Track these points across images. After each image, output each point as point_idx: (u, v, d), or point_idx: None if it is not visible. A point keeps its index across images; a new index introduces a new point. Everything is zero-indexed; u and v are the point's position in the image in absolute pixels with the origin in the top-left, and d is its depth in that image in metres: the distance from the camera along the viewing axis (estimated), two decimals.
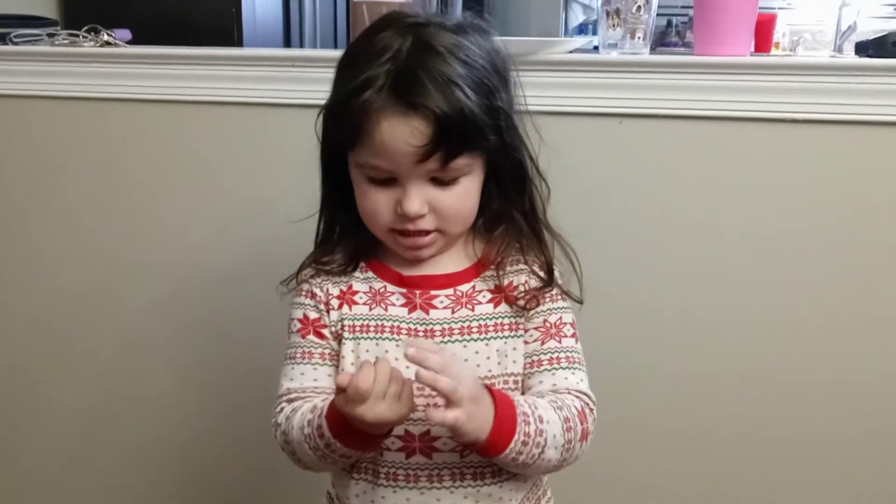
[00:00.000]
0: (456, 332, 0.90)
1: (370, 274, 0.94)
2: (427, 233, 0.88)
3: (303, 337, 0.94)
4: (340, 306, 0.93)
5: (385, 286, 0.93)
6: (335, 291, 0.94)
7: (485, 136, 0.84)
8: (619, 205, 1.25)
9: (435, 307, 0.91)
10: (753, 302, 1.23)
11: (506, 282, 0.92)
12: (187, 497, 1.57)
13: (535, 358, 0.91)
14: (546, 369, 0.91)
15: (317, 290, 0.94)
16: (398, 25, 0.85)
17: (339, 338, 0.92)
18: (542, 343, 0.91)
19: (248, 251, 1.40)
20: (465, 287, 0.92)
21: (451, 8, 3.02)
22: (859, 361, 1.22)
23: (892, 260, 1.19)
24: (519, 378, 0.91)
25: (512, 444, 0.80)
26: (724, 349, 1.26)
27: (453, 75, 0.82)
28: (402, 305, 0.92)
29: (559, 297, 0.94)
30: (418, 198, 0.85)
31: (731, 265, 1.23)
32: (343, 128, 0.84)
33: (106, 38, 1.43)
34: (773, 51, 3.56)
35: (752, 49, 1.23)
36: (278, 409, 0.92)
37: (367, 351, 0.90)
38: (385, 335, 0.91)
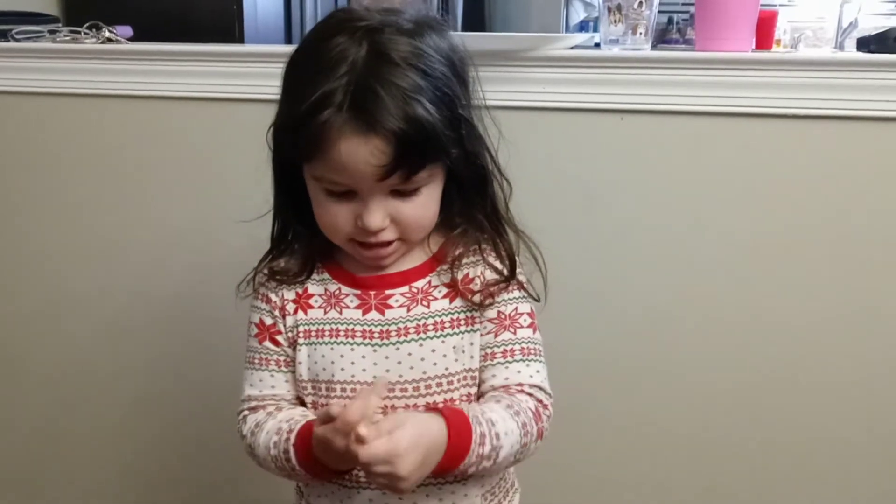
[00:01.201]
0: (412, 330, 0.89)
1: (326, 276, 0.93)
2: (388, 243, 0.87)
3: (259, 342, 0.93)
4: (296, 311, 0.92)
5: (339, 288, 0.92)
6: (290, 295, 0.92)
7: (446, 149, 0.83)
8: (621, 201, 1.25)
9: (390, 307, 0.90)
10: (756, 298, 1.23)
11: (460, 275, 0.90)
12: (160, 487, 1.58)
13: (488, 350, 0.90)
14: (499, 362, 0.90)
15: (272, 295, 0.93)
16: (351, 30, 0.81)
17: (294, 344, 0.92)
18: (496, 335, 0.90)
19: (250, 247, 1.40)
20: (420, 283, 0.91)
21: (452, 7, 3.02)
22: (861, 360, 1.22)
23: (894, 256, 1.18)
24: (478, 373, 0.90)
25: (462, 466, 0.80)
26: (727, 346, 1.26)
27: (412, 90, 0.79)
28: (357, 307, 0.90)
29: (515, 287, 0.92)
30: (379, 212, 0.83)
31: (733, 261, 1.23)
32: (299, 143, 0.81)
33: (107, 34, 1.42)
34: (775, 48, 3.56)
35: (754, 45, 1.22)
36: (241, 417, 0.93)
37: (323, 356, 0.90)
38: (340, 339, 0.90)
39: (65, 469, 1.63)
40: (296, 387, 0.92)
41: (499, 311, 0.91)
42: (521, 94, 1.23)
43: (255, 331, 0.94)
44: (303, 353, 0.91)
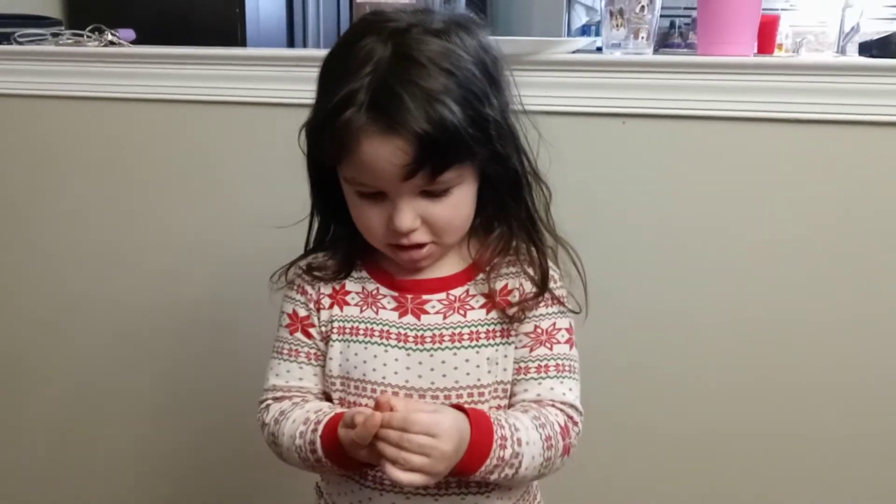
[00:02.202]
0: (447, 338, 0.88)
1: (364, 274, 0.93)
2: (422, 245, 0.86)
3: (290, 333, 0.93)
4: (331, 306, 0.92)
5: (378, 288, 0.91)
6: (327, 290, 0.92)
7: (472, 149, 0.81)
8: (622, 205, 1.25)
9: (426, 312, 0.89)
10: (758, 302, 1.23)
11: (499, 285, 0.89)
12: (180, 484, 1.58)
13: (522, 364, 0.89)
14: (533, 377, 0.89)
15: (308, 288, 0.93)
16: (379, 31, 0.81)
17: (326, 338, 0.91)
18: (531, 350, 0.89)
19: (254, 251, 1.40)
20: (458, 291, 0.90)
21: (455, 6, 3.02)
22: (870, 361, 1.22)
23: None
24: (510, 386, 0.90)
25: (482, 468, 0.79)
26: (729, 350, 1.26)
27: (436, 90, 0.78)
28: (394, 309, 0.90)
29: (553, 301, 0.91)
30: (409, 213, 0.82)
31: (735, 266, 1.23)
32: (326, 145, 0.82)
33: (110, 37, 1.43)
34: (776, 52, 3.56)
35: (756, 50, 1.22)
36: (264, 406, 0.92)
37: (356, 354, 0.89)
38: (374, 339, 0.89)
39: (77, 478, 1.63)
40: (323, 381, 0.92)
41: (535, 326, 0.90)
42: (522, 98, 1.21)
43: (288, 321, 0.93)
44: (335, 349, 0.90)
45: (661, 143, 1.21)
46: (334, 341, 0.90)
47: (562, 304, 0.92)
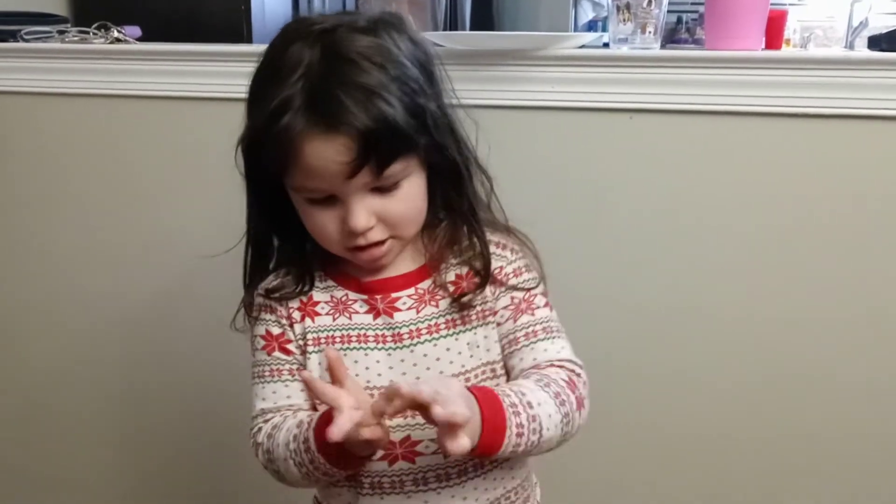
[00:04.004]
0: (423, 332, 0.89)
1: (330, 282, 0.92)
2: (381, 243, 0.86)
3: (268, 354, 0.91)
4: (303, 318, 0.91)
5: (346, 294, 0.91)
6: (295, 304, 0.91)
7: (413, 141, 0.82)
8: (630, 201, 1.24)
9: (398, 309, 0.89)
10: (769, 298, 1.22)
11: (450, 277, 0.90)
12: (167, 482, 1.58)
13: (511, 337, 0.90)
14: (524, 345, 0.89)
15: (276, 305, 0.92)
16: (306, 36, 0.80)
17: (304, 351, 0.91)
18: (515, 320, 0.90)
19: None
20: (425, 284, 0.90)
21: (460, 6, 3.01)
22: (879, 363, 1.21)
23: None
24: (497, 364, 0.90)
25: (506, 441, 0.77)
26: (739, 346, 1.25)
27: (371, 84, 0.78)
28: (366, 312, 0.90)
29: (523, 270, 0.92)
30: (362, 212, 0.82)
31: (743, 261, 1.22)
32: (268, 155, 0.81)
33: (116, 35, 1.43)
34: (784, 47, 3.54)
35: (764, 44, 1.21)
36: (256, 429, 0.90)
37: (350, 368, 0.87)
38: (352, 345, 0.89)
39: (65, 467, 1.63)
40: (310, 395, 0.90)
41: (512, 297, 0.91)
42: (529, 94, 1.23)
43: (262, 343, 0.92)
44: (313, 361, 0.90)
45: (668, 139, 1.21)
46: (311, 353, 0.90)
47: (519, 275, 0.92)
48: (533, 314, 0.90)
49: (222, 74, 1.36)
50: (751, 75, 1.14)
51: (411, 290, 0.90)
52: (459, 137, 0.90)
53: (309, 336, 0.90)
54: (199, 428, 1.54)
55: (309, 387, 0.81)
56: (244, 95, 1.33)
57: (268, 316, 0.92)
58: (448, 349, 0.88)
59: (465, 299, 0.89)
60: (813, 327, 1.21)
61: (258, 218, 0.92)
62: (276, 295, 0.92)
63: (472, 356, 0.89)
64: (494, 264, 0.91)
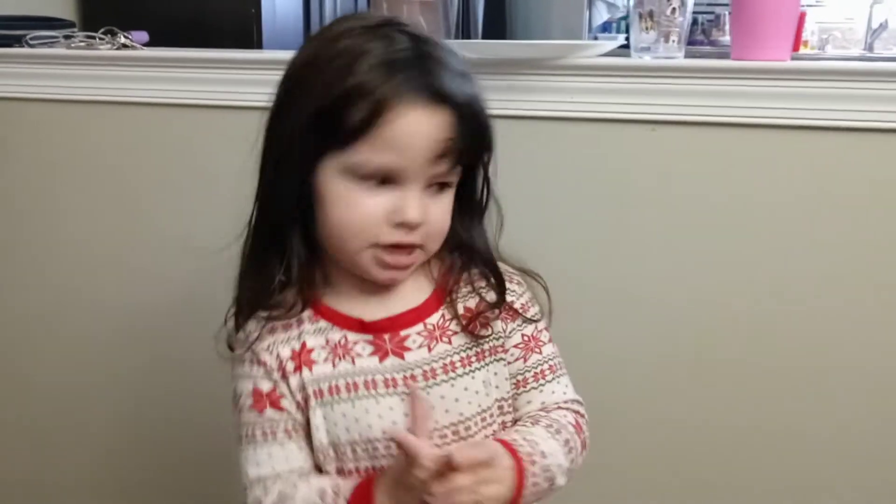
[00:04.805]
0: (439, 371, 0.82)
1: (322, 323, 0.83)
2: (413, 248, 0.79)
3: (259, 412, 0.81)
4: (297, 369, 0.81)
5: (345, 336, 0.82)
6: (286, 353, 0.81)
7: (490, 148, 0.81)
8: (652, 217, 1.20)
9: (409, 349, 0.82)
10: (798, 313, 1.18)
11: (461, 309, 0.85)
12: (163, 484, 1.56)
13: (520, 377, 0.87)
14: (533, 387, 0.87)
15: (265, 357, 0.82)
16: (377, 25, 0.78)
17: (302, 407, 0.82)
18: (525, 360, 0.87)
19: None
20: (434, 318, 0.84)
21: (473, 10, 2.98)
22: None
23: None
24: (506, 402, 0.86)
25: (525, 492, 0.76)
26: (765, 360, 1.21)
27: (466, 71, 0.78)
28: (371, 354, 0.82)
29: (530, 304, 0.89)
30: (420, 203, 0.77)
31: (771, 278, 1.18)
32: (353, 116, 0.73)
33: (122, 40, 1.40)
34: (802, 49, 3.51)
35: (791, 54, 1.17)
36: (255, 502, 0.81)
37: (344, 415, 0.81)
38: (360, 393, 0.81)
39: (65, 475, 1.61)
40: (313, 455, 0.82)
41: (522, 335, 0.88)
42: (547, 104, 1.19)
43: (250, 401, 0.82)
44: (318, 416, 0.81)
45: (692, 152, 1.17)
46: (315, 407, 0.81)
47: (526, 312, 0.89)
48: (541, 352, 0.88)
49: (231, 82, 1.33)
50: (779, 87, 1.10)
51: (420, 327, 0.83)
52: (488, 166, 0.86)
53: (309, 388, 0.81)
54: (204, 435, 1.51)
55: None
56: (254, 103, 1.32)
57: (254, 370, 0.82)
58: (466, 389, 0.83)
59: (481, 331, 0.84)
60: (851, 346, 1.17)
61: (286, 213, 0.80)
62: (276, 314, 0.82)
63: (487, 394, 0.85)
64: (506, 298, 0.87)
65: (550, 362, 0.89)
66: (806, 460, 1.22)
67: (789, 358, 1.20)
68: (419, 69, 0.74)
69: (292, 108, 0.78)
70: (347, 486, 0.78)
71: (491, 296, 0.86)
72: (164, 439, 1.54)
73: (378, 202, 0.76)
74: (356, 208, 0.77)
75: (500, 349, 0.86)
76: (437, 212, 0.79)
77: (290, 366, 0.81)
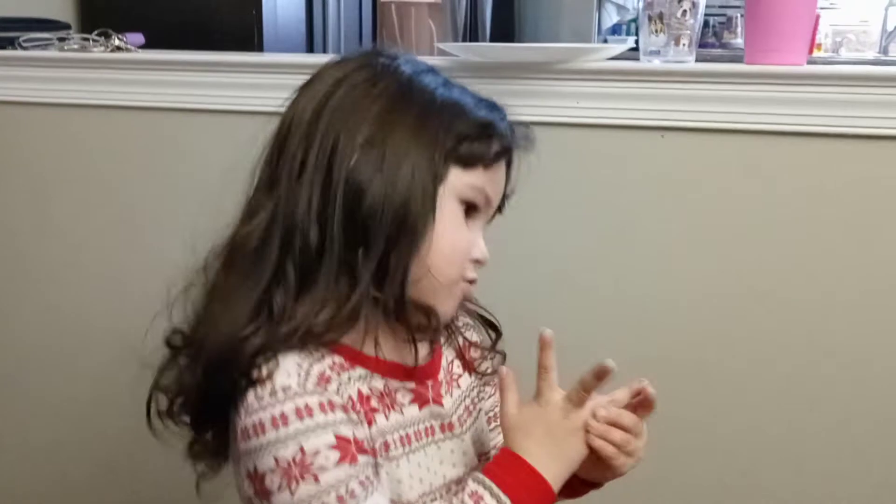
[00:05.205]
0: (465, 416, 0.81)
1: (360, 370, 0.72)
2: (474, 281, 0.78)
3: (350, 462, 0.66)
4: (367, 419, 0.70)
5: (386, 383, 0.73)
6: (353, 391, 0.70)
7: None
8: (660, 224, 1.17)
9: (441, 395, 0.79)
10: (812, 324, 1.14)
11: (461, 340, 0.84)
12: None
13: (493, 412, 0.86)
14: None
15: (332, 397, 0.68)
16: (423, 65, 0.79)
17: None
18: (498, 434, 0.83)
19: None
20: (444, 362, 0.82)
21: (482, 8, 2.95)
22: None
23: None
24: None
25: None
26: (776, 375, 1.17)
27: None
28: (412, 402, 0.75)
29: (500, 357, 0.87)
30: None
31: (785, 289, 1.14)
32: (476, 150, 0.73)
33: (117, 42, 1.37)
34: (815, 52, 3.46)
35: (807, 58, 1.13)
36: None
37: (410, 476, 0.73)
38: (412, 446, 0.74)
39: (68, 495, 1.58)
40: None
41: (495, 401, 0.86)
42: (553, 109, 1.16)
43: (336, 455, 0.65)
44: (381, 477, 0.70)
45: (703, 159, 1.13)
46: (380, 464, 0.70)
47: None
48: None
49: (229, 85, 1.31)
50: (795, 92, 1.06)
51: (442, 373, 0.81)
52: None
53: (376, 441, 0.70)
54: None
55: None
56: (253, 108, 1.30)
57: (329, 415, 0.67)
58: (482, 430, 0.82)
59: (483, 367, 0.84)
60: (860, 354, 1.13)
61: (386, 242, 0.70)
62: (330, 336, 0.70)
63: (492, 429, 0.84)
64: (472, 336, 0.86)
65: None
66: (806, 460, 1.18)
67: (808, 367, 1.16)
68: (508, 124, 0.77)
69: (399, 149, 0.70)
70: (478, 480, 0.71)
71: (472, 334, 0.85)
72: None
73: (468, 237, 0.75)
74: (459, 237, 0.74)
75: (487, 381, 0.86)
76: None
77: (361, 408, 0.71)
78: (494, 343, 0.84)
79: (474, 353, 0.83)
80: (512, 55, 1.17)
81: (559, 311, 1.19)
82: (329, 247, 0.69)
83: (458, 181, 0.73)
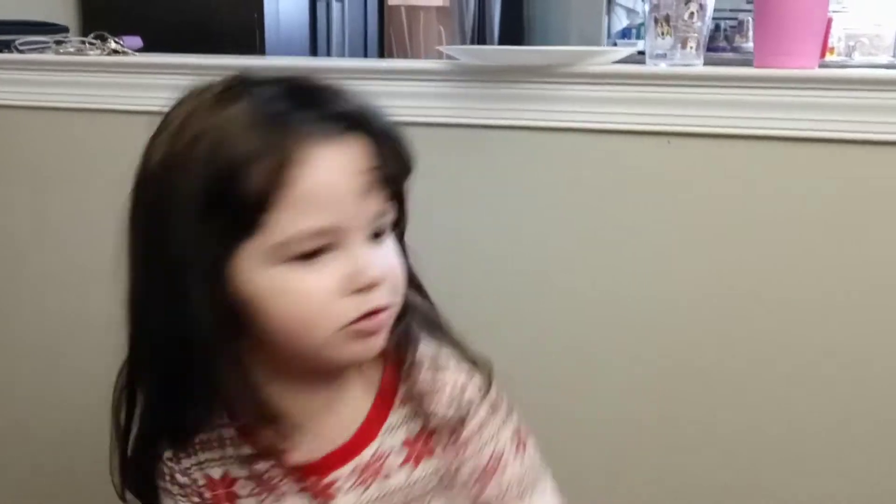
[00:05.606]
0: None
1: (247, 449, 0.70)
2: (385, 310, 0.66)
3: None
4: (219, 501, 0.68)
5: (269, 468, 0.68)
6: (203, 477, 0.70)
7: (412, 160, 0.69)
8: (667, 232, 1.14)
9: (333, 496, 0.69)
10: (826, 338, 1.11)
11: (399, 439, 0.70)
12: None
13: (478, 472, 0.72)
14: None
15: (181, 477, 0.70)
16: (215, 90, 0.69)
17: None
18: (481, 493, 0.72)
19: None
20: (370, 450, 0.69)
21: (490, 13, 2.93)
22: None
23: None
24: None
25: None
26: (781, 389, 1.14)
27: (371, 101, 0.67)
28: (302, 490, 0.69)
29: (484, 410, 0.72)
30: (374, 255, 0.64)
31: (798, 302, 1.10)
32: (248, 188, 0.60)
33: (113, 45, 1.34)
34: (828, 56, 3.44)
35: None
36: None
37: None
38: None
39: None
40: None
41: (476, 464, 0.72)
42: (556, 114, 1.13)
43: None
44: None
45: (710, 166, 1.10)
46: None
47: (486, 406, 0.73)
48: (504, 474, 0.72)
49: None
50: (805, 96, 1.03)
51: (351, 467, 0.69)
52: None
53: None
54: None
55: None
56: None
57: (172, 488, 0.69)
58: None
59: (460, 435, 0.71)
60: (861, 354, 1.10)
61: (191, 335, 0.65)
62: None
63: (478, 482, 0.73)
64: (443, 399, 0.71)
65: (517, 481, 0.73)
66: (806, 460, 1.15)
67: (808, 367, 1.13)
68: (305, 105, 0.63)
69: (168, 222, 0.65)
70: None
71: (439, 408, 0.70)
72: None
73: (326, 275, 0.63)
74: (305, 295, 0.63)
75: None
76: (390, 258, 0.68)
77: (207, 493, 0.68)
78: (485, 392, 0.72)
79: (440, 437, 0.70)
80: (514, 58, 1.15)
81: (563, 318, 1.18)
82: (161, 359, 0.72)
83: (252, 250, 0.63)
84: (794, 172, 1.08)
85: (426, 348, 0.72)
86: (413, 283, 0.73)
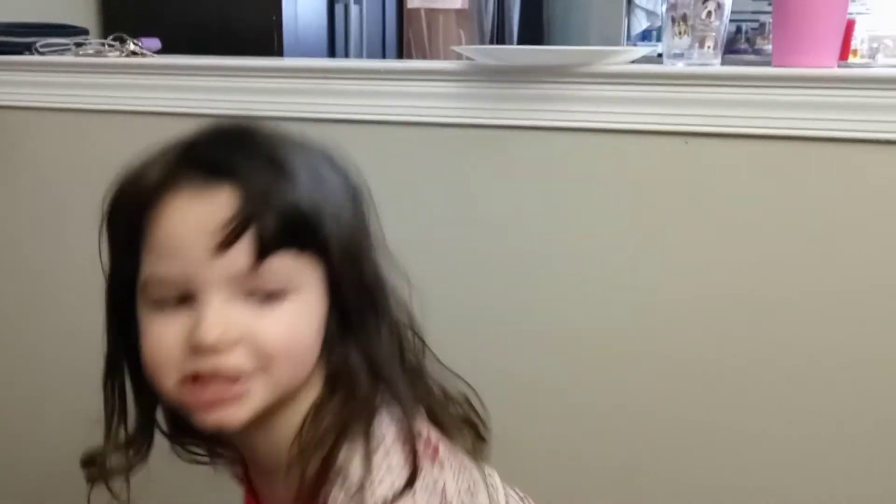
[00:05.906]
0: None
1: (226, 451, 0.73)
2: (236, 378, 0.60)
3: None
4: None
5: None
6: None
7: (325, 234, 0.62)
8: (684, 233, 1.13)
9: None
10: (848, 344, 1.09)
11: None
12: None
13: None
14: None
15: None
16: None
17: None
18: None
19: None
20: None
21: (509, 15, 2.93)
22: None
23: None
24: None
25: None
26: (790, 389, 1.12)
27: (266, 149, 0.63)
28: None
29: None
30: (219, 318, 0.59)
31: (818, 305, 1.09)
32: (119, 230, 0.65)
33: (132, 47, 1.36)
34: (851, 58, 3.40)
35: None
36: None
37: None
38: None
39: None
40: None
41: None
42: (573, 114, 1.13)
43: None
44: None
45: (728, 166, 1.09)
46: None
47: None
48: None
49: (247, 90, 1.28)
50: (824, 96, 1.02)
51: None
52: (381, 279, 0.68)
53: None
54: None
55: None
56: (272, 113, 1.28)
57: None
58: None
59: None
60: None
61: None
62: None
63: None
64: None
65: None
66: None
67: (809, 367, 1.12)
68: (187, 152, 0.63)
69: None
70: None
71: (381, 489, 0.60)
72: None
73: (173, 327, 0.61)
74: (154, 340, 0.62)
75: None
76: (269, 326, 0.61)
77: None
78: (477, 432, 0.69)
79: None
80: (530, 58, 1.14)
81: (582, 318, 1.17)
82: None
83: (138, 282, 0.64)
84: (813, 172, 1.06)
85: (354, 464, 0.62)
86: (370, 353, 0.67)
